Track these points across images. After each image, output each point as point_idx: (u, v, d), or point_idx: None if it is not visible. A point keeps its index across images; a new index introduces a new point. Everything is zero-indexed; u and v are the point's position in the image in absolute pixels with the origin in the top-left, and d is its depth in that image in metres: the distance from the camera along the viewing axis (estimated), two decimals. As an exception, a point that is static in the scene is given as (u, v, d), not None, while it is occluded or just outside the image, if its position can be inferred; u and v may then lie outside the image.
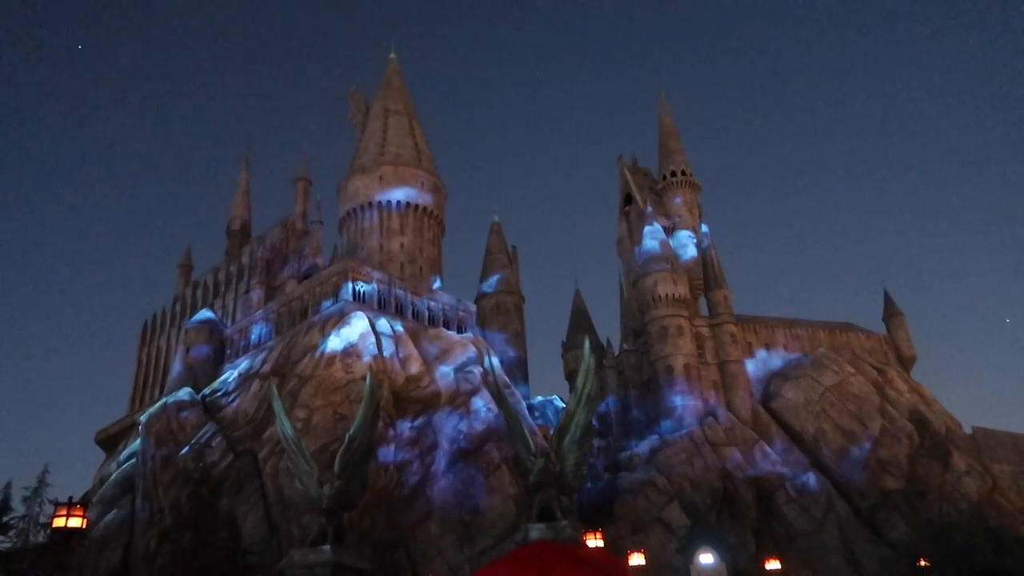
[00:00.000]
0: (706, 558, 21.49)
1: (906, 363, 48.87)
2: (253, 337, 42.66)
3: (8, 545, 24.89)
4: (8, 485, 25.58)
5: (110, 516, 35.18)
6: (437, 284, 45.75)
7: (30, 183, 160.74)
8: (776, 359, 46.01)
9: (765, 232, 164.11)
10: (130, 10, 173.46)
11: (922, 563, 33.19)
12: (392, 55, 58.00)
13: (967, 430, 44.18)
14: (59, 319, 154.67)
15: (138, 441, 38.54)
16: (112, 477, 38.25)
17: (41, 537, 25.31)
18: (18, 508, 25.43)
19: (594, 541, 19.17)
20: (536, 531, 12.35)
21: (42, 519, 25.53)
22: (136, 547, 32.97)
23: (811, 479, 38.89)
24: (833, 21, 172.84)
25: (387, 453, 31.48)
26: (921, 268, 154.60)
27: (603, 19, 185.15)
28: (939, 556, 34.74)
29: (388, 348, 36.20)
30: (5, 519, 24.97)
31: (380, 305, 39.75)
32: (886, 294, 51.64)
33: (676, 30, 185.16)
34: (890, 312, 50.99)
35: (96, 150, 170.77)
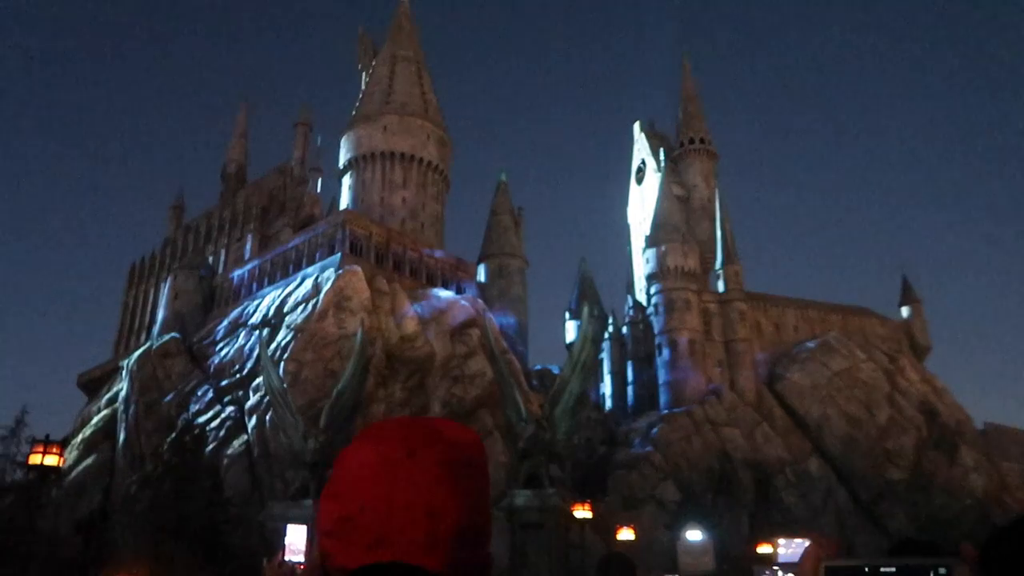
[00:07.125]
0: (693, 534, 20.58)
1: (920, 352, 47.47)
2: (244, 286, 41.49)
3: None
4: (-15, 424, 25.43)
5: (90, 460, 34.71)
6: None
7: (22, 118, 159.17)
8: (784, 340, 44.61)
9: (782, 209, 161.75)
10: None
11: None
12: (404, -2, 55.53)
13: (978, 426, 42.97)
14: (44, 258, 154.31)
15: (121, 386, 37.77)
16: (93, 421, 37.63)
17: (18, 476, 25.08)
18: (-5, 448, 25.19)
19: (582, 512, 18.41)
20: (522, 497, 12.83)
21: (19, 459, 25.48)
22: (115, 492, 32.58)
23: (812, 465, 37.89)
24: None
25: (377, 412, 30.53)
26: (943, 258, 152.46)
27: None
28: (939, 551, 33.75)
29: (383, 305, 35.03)
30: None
31: (378, 260, 38.43)
32: (904, 280, 50.04)
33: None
34: (908, 298, 49.44)
35: (91, 85, 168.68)
